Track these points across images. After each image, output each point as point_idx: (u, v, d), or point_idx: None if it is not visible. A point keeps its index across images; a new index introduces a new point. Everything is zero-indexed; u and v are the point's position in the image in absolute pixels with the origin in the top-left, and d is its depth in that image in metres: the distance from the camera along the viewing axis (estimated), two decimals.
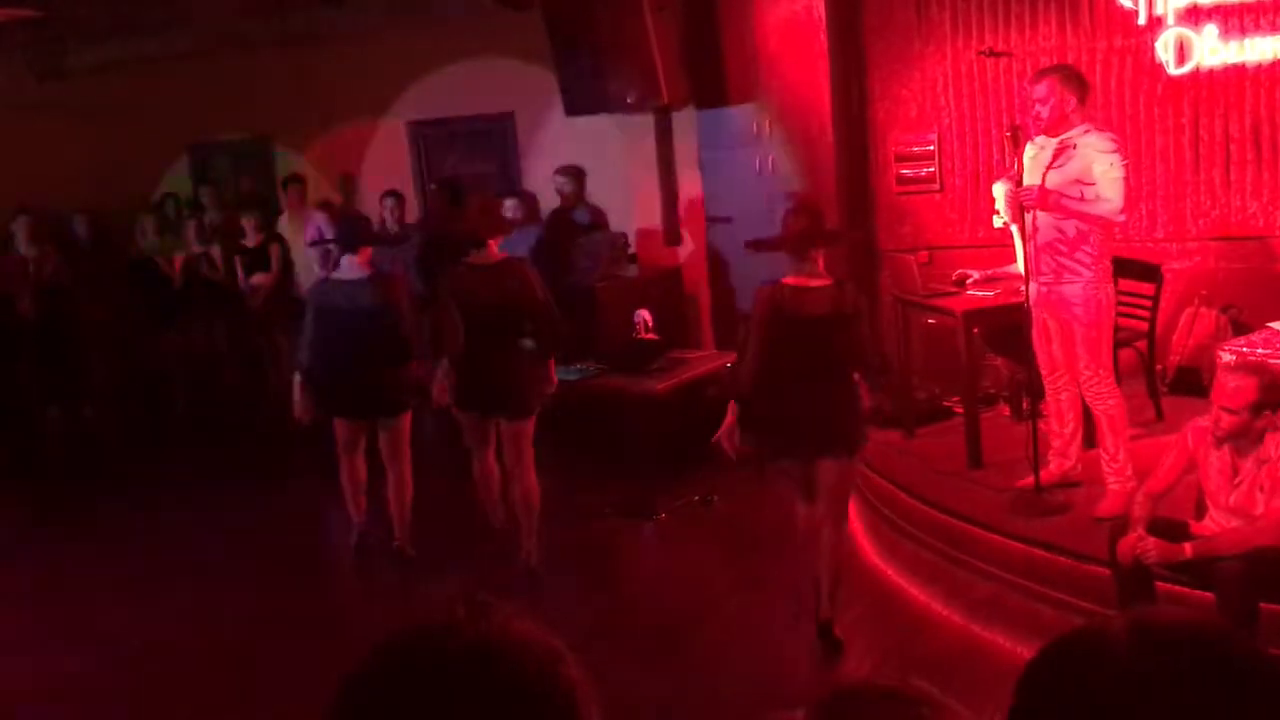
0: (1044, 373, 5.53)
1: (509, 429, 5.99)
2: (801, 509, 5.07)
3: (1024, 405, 6.55)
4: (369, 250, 6.17)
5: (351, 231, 6.24)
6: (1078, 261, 5.19)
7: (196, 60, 10.45)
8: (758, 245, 5.22)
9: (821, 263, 4.83)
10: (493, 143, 10.09)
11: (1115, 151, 5.12)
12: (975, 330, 6.15)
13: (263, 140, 11.22)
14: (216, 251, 10.00)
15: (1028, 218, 5.30)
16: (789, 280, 4.80)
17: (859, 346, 4.83)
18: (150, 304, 10.27)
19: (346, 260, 6.12)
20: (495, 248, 5.97)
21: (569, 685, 1.17)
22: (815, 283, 4.78)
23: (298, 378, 6.19)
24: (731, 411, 4.92)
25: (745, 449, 5.05)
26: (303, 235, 9.87)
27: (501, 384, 5.94)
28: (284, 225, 10.08)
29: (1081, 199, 5.12)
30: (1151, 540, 4.11)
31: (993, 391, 6.92)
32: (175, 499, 8.09)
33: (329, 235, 9.79)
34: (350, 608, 6.11)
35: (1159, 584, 4.29)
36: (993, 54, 6.57)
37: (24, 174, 10.75)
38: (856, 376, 4.88)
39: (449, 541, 6.50)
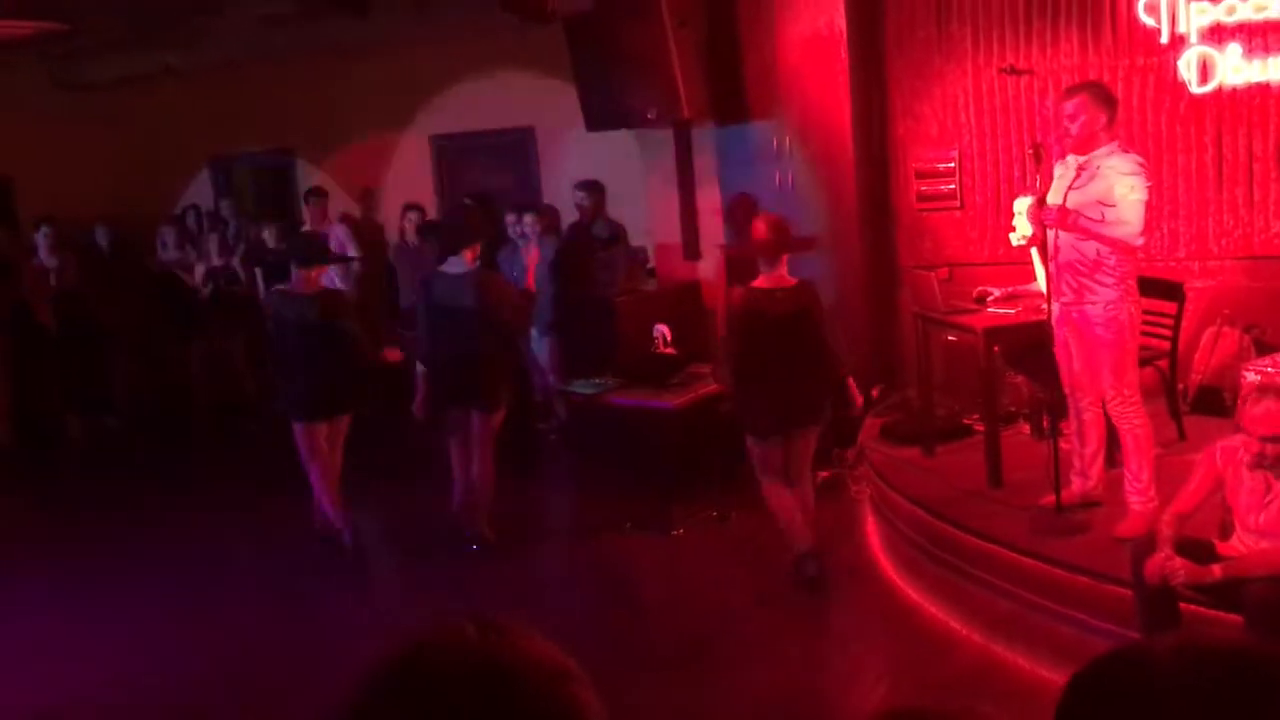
0: (1066, 392, 5.49)
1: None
2: (771, 483, 5.69)
3: (1044, 424, 6.52)
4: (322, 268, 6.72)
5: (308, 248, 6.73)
6: (1098, 281, 5.16)
7: (220, 73, 10.53)
8: (732, 251, 6.11)
9: (785, 267, 5.51)
10: (513, 156, 10.14)
11: (1138, 174, 5.08)
12: (996, 348, 6.12)
13: (284, 153, 11.29)
14: (238, 262, 10.05)
15: (1049, 236, 5.27)
16: (759, 283, 5.51)
17: (821, 337, 5.56)
18: (172, 314, 10.33)
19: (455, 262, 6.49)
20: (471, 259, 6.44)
21: (579, 706, 1.15)
22: (782, 284, 5.49)
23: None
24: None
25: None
26: None
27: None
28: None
29: (1102, 220, 5.09)
30: (1179, 561, 4.07)
31: (1013, 410, 6.88)
32: (196, 507, 8.12)
33: (350, 249, 9.88)
34: (386, 612, 6.16)
35: (1182, 605, 4.25)
36: (1014, 71, 6.56)
37: (48, 184, 10.84)
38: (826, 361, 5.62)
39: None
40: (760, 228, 5.60)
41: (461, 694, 1.12)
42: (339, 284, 9.87)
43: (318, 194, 10.19)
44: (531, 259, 7.10)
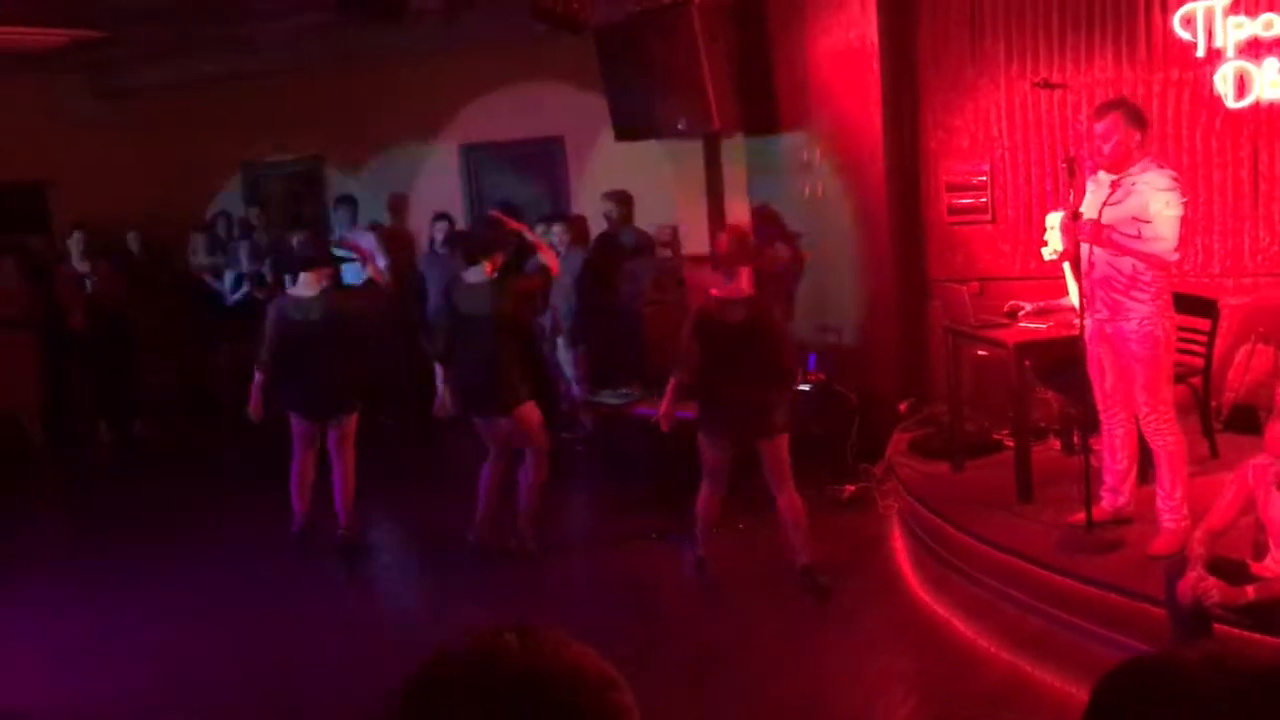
0: (1099, 408, 5.43)
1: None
2: (707, 487, 5.93)
3: (1075, 440, 6.46)
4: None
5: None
6: (1133, 298, 5.10)
7: (252, 81, 10.60)
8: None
9: (744, 278, 5.71)
10: (542, 166, 10.15)
11: (1173, 190, 5.03)
12: (1027, 363, 6.07)
13: (314, 161, 11.35)
14: (267, 270, 10.09)
15: (1083, 251, 5.23)
16: (716, 292, 5.74)
17: (776, 347, 5.72)
18: (201, 320, 10.39)
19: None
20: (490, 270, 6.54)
21: (620, 712, 1.15)
22: (739, 295, 5.69)
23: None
24: (670, 392, 5.86)
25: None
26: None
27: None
28: (335, 245, 10.17)
29: (1138, 236, 5.04)
30: (1213, 581, 4.01)
31: (1043, 425, 6.81)
32: (222, 511, 8.17)
33: (380, 257, 9.93)
34: (413, 619, 6.20)
35: (1215, 625, 4.19)
36: (1047, 85, 6.51)
37: (82, 190, 10.94)
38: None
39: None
40: (722, 240, 5.92)
41: (506, 703, 1.11)
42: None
43: (348, 202, 10.23)
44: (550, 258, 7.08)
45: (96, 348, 10.22)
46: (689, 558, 6.20)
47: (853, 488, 7.18)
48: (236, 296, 10.19)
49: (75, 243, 10.28)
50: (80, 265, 10.27)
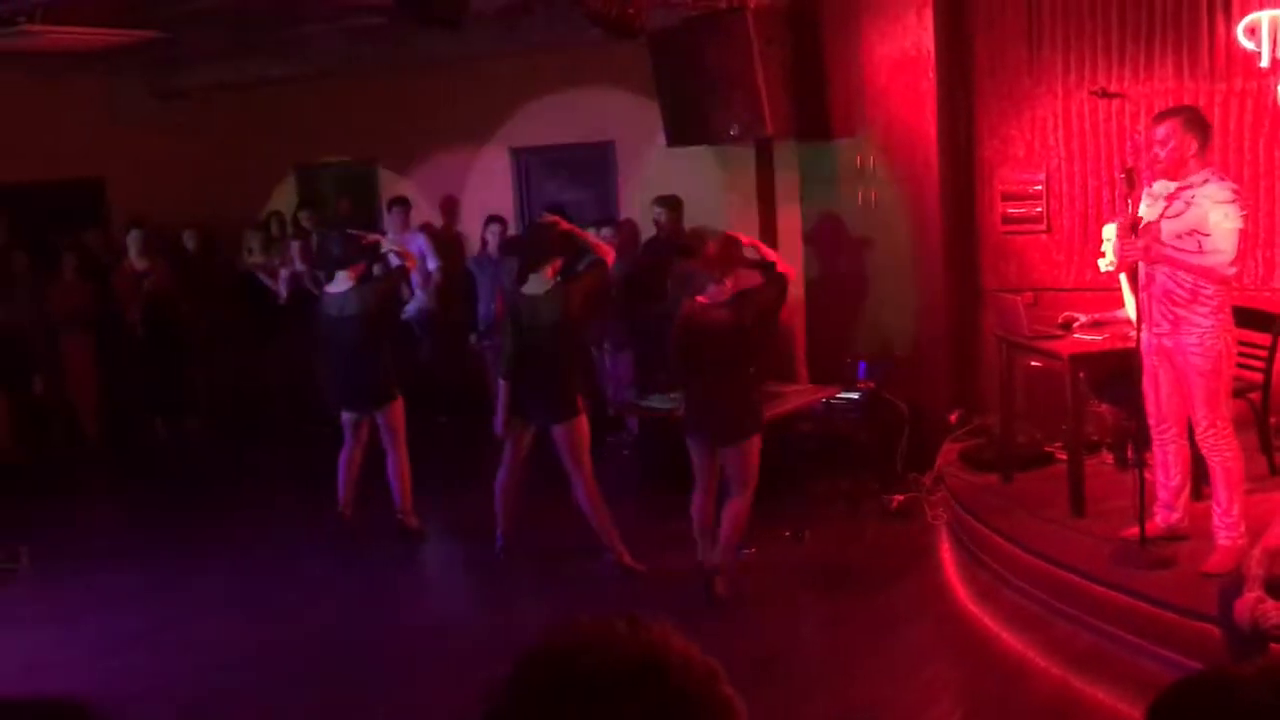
0: (1151, 423, 5.37)
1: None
2: (695, 490, 6.02)
3: (1129, 454, 6.39)
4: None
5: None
6: (1194, 312, 5.04)
7: (308, 83, 10.71)
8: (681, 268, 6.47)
9: (731, 282, 5.79)
10: (593, 170, 10.18)
11: (1233, 202, 4.96)
12: (1081, 375, 6.01)
13: (367, 163, 11.44)
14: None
15: (1140, 264, 5.17)
16: (702, 298, 5.80)
17: (747, 350, 5.84)
18: (254, 318, 10.50)
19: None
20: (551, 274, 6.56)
21: (732, 706, 1.17)
22: (722, 298, 5.76)
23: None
24: None
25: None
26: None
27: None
28: (387, 246, 10.24)
29: (1198, 250, 4.98)
30: (1271, 604, 3.94)
31: (1096, 439, 6.75)
32: (274, 507, 8.28)
33: (431, 258, 10.01)
34: (458, 617, 6.25)
35: (1273, 646, 4.12)
36: (1105, 94, 6.45)
37: (139, 188, 11.11)
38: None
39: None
40: (711, 245, 6.13)
41: (625, 690, 1.12)
42: (418, 293, 10.01)
43: (401, 203, 10.32)
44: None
45: (152, 345, 10.37)
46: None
47: (901, 497, 7.14)
48: (289, 295, 10.30)
49: (133, 240, 10.43)
50: (139, 263, 10.42)
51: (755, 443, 5.87)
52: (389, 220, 10.43)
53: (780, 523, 6.81)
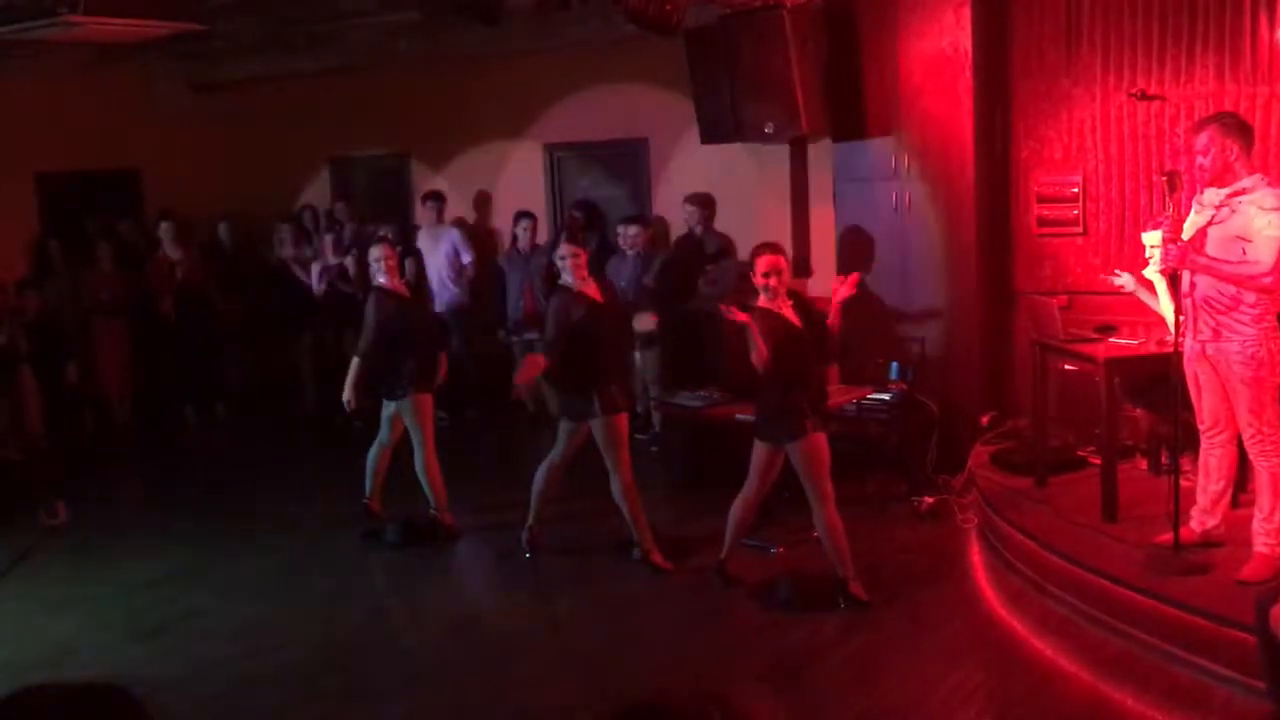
0: (1202, 428, 5.31)
1: None
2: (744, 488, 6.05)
3: (1163, 459, 6.32)
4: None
5: None
6: (1236, 319, 4.98)
7: (342, 76, 10.76)
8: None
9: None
10: (626, 167, 10.17)
11: (1278, 210, 4.89)
12: (1116, 379, 5.95)
13: (400, 156, 11.48)
14: (350, 263, 10.24)
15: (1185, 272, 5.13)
16: (761, 303, 5.75)
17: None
18: (285, 309, 10.56)
19: None
20: None
21: None
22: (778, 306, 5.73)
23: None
24: None
25: None
26: (438, 250, 10.08)
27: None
28: (421, 239, 10.31)
29: (1242, 256, 4.91)
30: None
31: (1130, 443, 6.68)
32: (303, 495, 8.32)
33: (465, 252, 10.03)
34: (485, 611, 6.26)
35: None
36: (1145, 96, 6.37)
37: (174, 179, 11.20)
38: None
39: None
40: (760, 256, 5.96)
41: None
42: (450, 286, 10.04)
43: (435, 197, 10.35)
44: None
45: (184, 333, 10.46)
46: (712, 562, 6.24)
47: (932, 500, 7.09)
48: (321, 287, 10.35)
49: (165, 231, 10.53)
50: (173, 252, 10.51)
51: (761, 446, 5.86)
52: (422, 213, 10.46)
53: (809, 523, 6.76)
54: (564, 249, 6.40)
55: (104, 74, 10.52)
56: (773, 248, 5.86)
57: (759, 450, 5.89)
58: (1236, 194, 4.98)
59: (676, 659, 5.39)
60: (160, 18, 7.46)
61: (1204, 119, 5.25)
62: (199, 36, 8.91)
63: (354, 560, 7.03)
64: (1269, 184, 5.02)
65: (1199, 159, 5.07)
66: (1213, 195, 5.10)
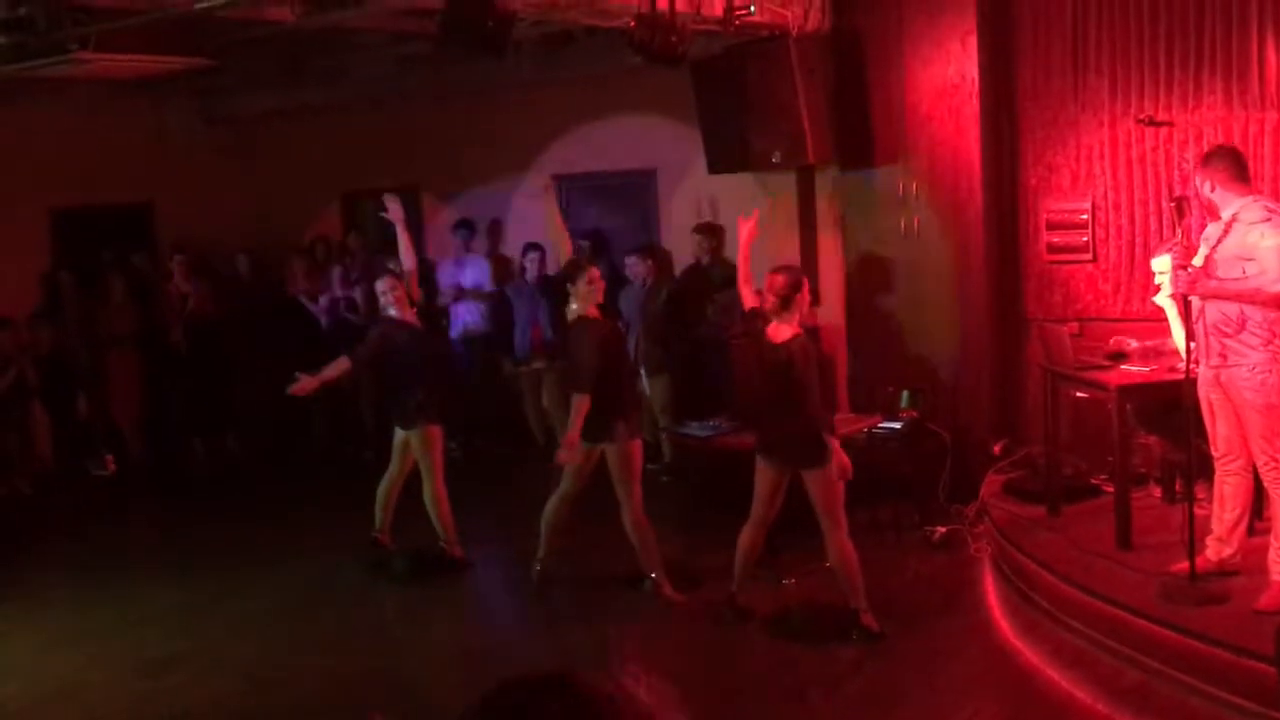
0: (1216, 455, 5.27)
1: None
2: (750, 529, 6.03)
3: (1177, 487, 6.27)
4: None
5: None
6: (1243, 343, 4.96)
7: (353, 110, 10.82)
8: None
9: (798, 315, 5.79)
10: (634, 197, 10.18)
11: (1268, 220, 4.92)
12: (1129, 406, 5.91)
13: (410, 189, 11.51)
14: (359, 294, 10.26)
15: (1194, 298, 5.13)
16: (770, 328, 5.74)
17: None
18: (297, 341, 10.56)
19: None
20: None
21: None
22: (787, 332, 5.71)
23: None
24: None
25: None
26: (465, 278, 10.17)
27: None
28: (447, 268, 10.41)
29: (1243, 276, 4.92)
30: None
31: (1143, 471, 6.62)
32: (310, 526, 8.30)
33: (488, 283, 10.12)
34: (495, 644, 6.23)
35: None
36: (1153, 123, 6.38)
37: (187, 212, 11.26)
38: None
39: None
40: (780, 277, 5.94)
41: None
42: (469, 312, 10.13)
43: (466, 225, 10.43)
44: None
45: (193, 365, 10.48)
46: (723, 595, 6.15)
47: (944, 529, 7.04)
48: (329, 320, 10.37)
49: (177, 264, 10.59)
50: (183, 285, 10.56)
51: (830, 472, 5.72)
52: (455, 240, 10.55)
53: (820, 553, 6.72)
54: (592, 273, 6.40)
55: (117, 108, 10.59)
56: (778, 268, 5.96)
57: (763, 473, 5.86)
58: (1231, 221, 5.03)
59: (687, 692, 5.32)
60: (171, 54, 7.51)
61: (1199, 161, 5.44)
62: (211, 71, 8.97)
63: (363, 593, 7.00)
64: (1259, 201, 5.05)
65: (1206, 196, 5.23)
66: (1213, 229, 5.18)
